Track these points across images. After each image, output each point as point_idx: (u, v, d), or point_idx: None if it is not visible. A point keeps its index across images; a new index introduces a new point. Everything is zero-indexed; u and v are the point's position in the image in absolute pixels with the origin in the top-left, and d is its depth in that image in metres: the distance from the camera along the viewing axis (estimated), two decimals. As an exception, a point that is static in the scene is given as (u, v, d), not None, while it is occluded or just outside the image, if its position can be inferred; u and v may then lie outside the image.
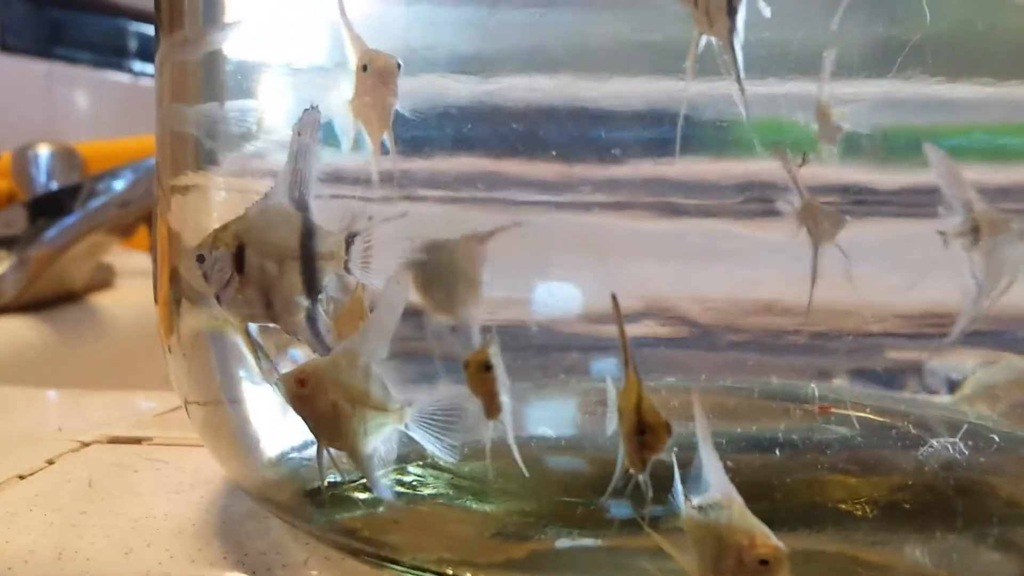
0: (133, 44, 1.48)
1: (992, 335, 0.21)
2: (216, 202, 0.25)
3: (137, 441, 0.32)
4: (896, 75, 0.20)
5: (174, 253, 0.26)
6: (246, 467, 0.25)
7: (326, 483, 0.22)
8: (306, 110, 0.20)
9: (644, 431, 0.18)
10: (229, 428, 0.25)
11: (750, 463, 0.21)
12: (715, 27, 0.19)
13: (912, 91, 0.20)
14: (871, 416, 0.23)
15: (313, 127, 0.20)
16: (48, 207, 0.65)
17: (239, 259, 0.20)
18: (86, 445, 0.32)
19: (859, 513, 0.20)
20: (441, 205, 0.22)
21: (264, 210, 0.21)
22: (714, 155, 0.21)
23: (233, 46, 0.25)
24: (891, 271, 0.21)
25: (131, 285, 0.73)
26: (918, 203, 0.21)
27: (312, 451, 0.21)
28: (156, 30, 0.27)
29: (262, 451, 0.25)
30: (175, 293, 0.25)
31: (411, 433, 0.20)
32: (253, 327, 0.22)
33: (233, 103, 0.25)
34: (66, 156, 0.76)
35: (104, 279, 0.72)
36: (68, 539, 0.24)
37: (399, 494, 0.22)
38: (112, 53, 1.44)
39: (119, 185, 0.64)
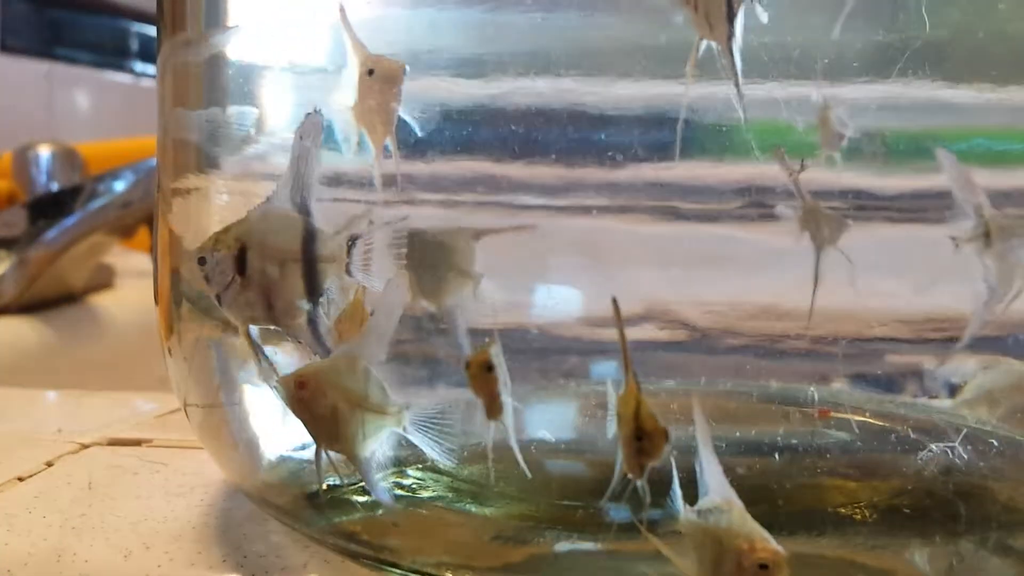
0: (134, 45, 1.48)
1: (991, 339, 0.21)
2: (217, 204, 0.25)
3: (136, 443, 0.32)
4: (897, 80, 0.20)
5: (175, 254, 0.26)
6: (245, 469, 0.25)
7: (325, 486, 0.22)
8: (308, 114, 0.20)
9: (642, 437, 0.18)
10: (228, 430, 0.25)
11: (749, 467, 0.21)
12: (715, 32, 0.19)
13: (913, 96, 0.20)
14: (871, 420, 0.23)
15: (315, 131, 0.20)
16: (48, 208, 0.65)
17: (240, 261, 0.20)
18: (85, 447, 0.32)
19: (858, 517, 0.20)
20: (442, 208, 0.22)
21: (266, 213, 0.21)
22: (715, 159, 0.21)
23: (235, 49, 0.25)
24: (891, 275, 0.21)
25: (131, 286, 0.73)
26: (918, 208, 0.21)
27: (311, 453, 0.21)
28: (158, 32, 0.27)
29: (261, 453, 0.25)
30: (175, 294, 0.25)
31: (409, 436, 0.20)
32: (254, 329, 0.22)
33: (234, 106, 0.25)
34: (66, 157, 0.77)
35: (104, 280, 0.72)
36: (67, 541, 0.24)
37: (398, 497, 0.22)
38: (113, 54, 1.44)
39: (119, 186, 0.64)
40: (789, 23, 0.20)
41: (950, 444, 0.21)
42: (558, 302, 0.22)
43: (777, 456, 0.21)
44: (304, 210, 0.20)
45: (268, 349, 0.22)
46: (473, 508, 0.22)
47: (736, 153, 0.21)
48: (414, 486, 0.22)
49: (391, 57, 0.21)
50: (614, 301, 0.19)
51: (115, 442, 0.32)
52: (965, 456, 0.21)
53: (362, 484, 0.21)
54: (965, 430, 0.21)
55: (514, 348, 0.20)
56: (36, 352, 0.59)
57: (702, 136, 0.21)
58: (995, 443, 0.22)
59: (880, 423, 0.23)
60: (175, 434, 0.33)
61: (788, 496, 0.21)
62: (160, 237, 0.26)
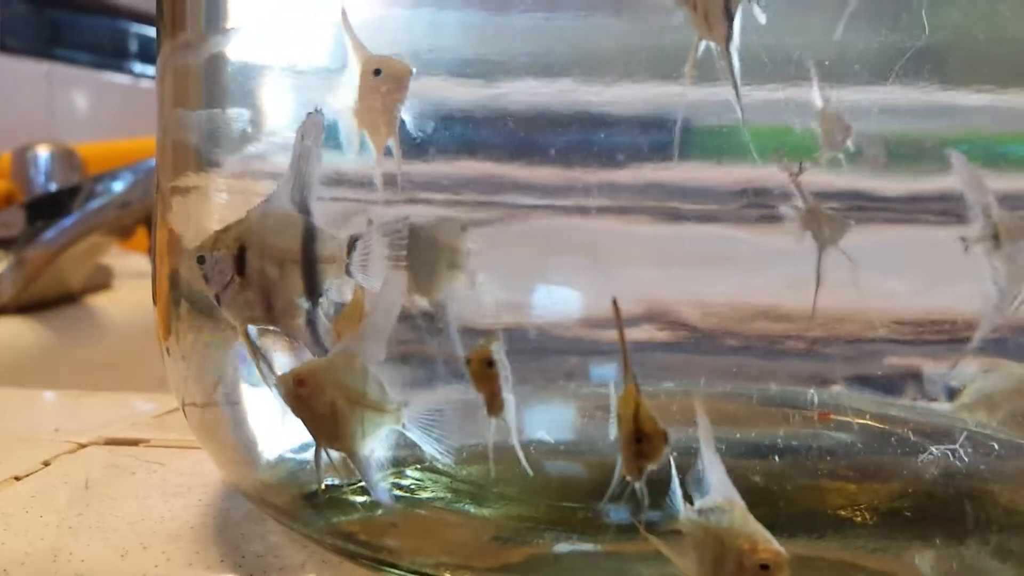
0: (133, 45, 1.48)
1: (992, 342, 0.21)
2: (216, 204, 0.25)
3: (134, 443, 0.32)
4: (898, 82, 0.20)
5: (173, 255, 0.26)
6: (244, 469, 0.25)
7: (323, 486, 0.22)
8: (309, 114, 0.20)
9: (641, 439, 0.18)
10: (227, 430, 0.25)
11: (749, 469, 0.21)
12: (713, 32, 0.19)
13: (913, 98, 0.20)
14: (871, 423, 0.23)
15: (316, 131, 0.20)
16: (47, 208, 0.65)
17: (240, 261, 0.20)
18: (83, 446, 0.32)
19: (859, 520, 0.20)
20: (443, 208, 0.22)
21: (266, 213, 0.21)
22: (715, 160, 0.21)
23: (235, 50, 0.25)
24: (891, 277, 0.21)
25: (129, 286, 0.73)
26: (919, 210, 0.21)
27: (310, 453, 0.21)
28: (157, 33, 0.27)
29: (260, 453, 0.25)
30: (174, 295, 0.25)
31: (408, 433, 0.20)
32: (252, 329, 0.22)
33: (234, 107, 0.25)
34: (65, 157, 0.76)
35: (102, 280, 0.71)
36: (64, 541, 0.24)
37: (397, 497, 0.22)
38: (112, 54, 1.44)
39: (118, 186, 0.64)
40: (789, 25, 0.20)
41: (951, 447, 0.21)
42: (558, 303, 0.22)
43: (777, 458, 0.21)
44: (304, 210, 0.20)
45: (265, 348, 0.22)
46: (472, 509, 0.21)
47: (737, 154, 0.21)
48: (413, 486, 0.22)
49: (392, 57, 0.21)
50: (614, 302, 0.19)
51: (113, 442, 0.32)
52: (966, 459, 0.21)
53: (361, 484, 0.21)
54: (965, 433, 0.21)
55: (514, 349, 0.20)
56: (34, 352, 0.59)
57: (703, 137, 0.21)
58: (995, 446, 0.22)
59: (880, 426, 0.23)
60: (173, 434, 0.33)
61: (788, 498, 0.21)
62: (159, 238, 0.26)
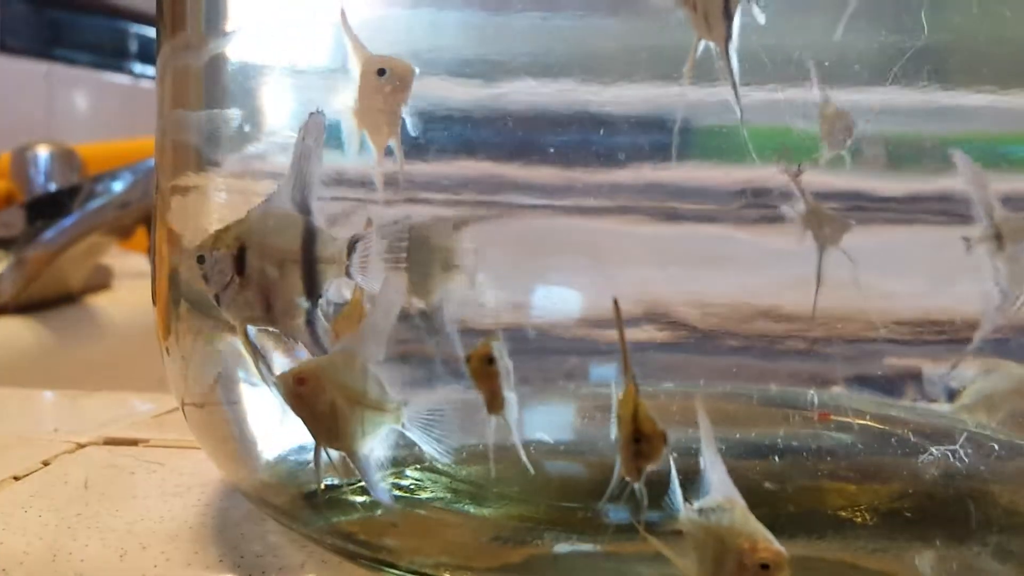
0: (133, 45, 1.48)
1: (991, 343, 0.21)
2: (215, 204, 0.25)
3: (133, 443, 0.32)
4: (898, 83, 0.20)
5: (173, 254, 0.26)
6: (243, 469, 0.25)
7: (323, 486, 0.22)
8: (311, 114, 0.20)
9: (640, 440, 0.18)
10: (226, 430, 0.25)
11: (749, 469, 0.21)
12: (713, 32, 0.19)
13: (914, 99, 0.20)
14: (871, 423, 0.23)
15: (317, 131, 0.20)
16: (46, 208, 0.65)
17: (240, 261, 0.20)
18: (82, 446, 0.32)
19: (859, 520, 0.20)
20: (443, 208, 0.22)
21: (266, 213, 0.21)
22: (715, 160, 0.21)
23: (235, 50, 0.25)
24: (891, 278, 0.21)
25: (129, 286, 0.73)
26: (919, 210, 0.21)
27: (310, 454, 0.21)
28: (157, 33, 0.27)
29: (259, 453, 0.25)
30: (173, 294, 0.25)
31: (408, 433, 0.20)
32: (252, 329, 0.22)
33: (233, 107, 0.25)
34: (65, 157, 0.76)
35: (102, 280, 0.71)
36: (63, 541, 0.24)
37: (397, 497, 0.22)
38: (112, 54, 1.44)
39: (118, 186, 0.64)
40: (789, 25, 0.20)
41: (951, 448, 0.21)
42: (558, 303, 0.22)
43: (777, 459, 0.21)
44: (305, 210, 0.20)
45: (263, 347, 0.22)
46: (472, 509, 0.21)
47: (737, 154, 0.21)
48: (413, 486, 0.22)
49: (395, 57, 0.21)
50: (615, 303, 0.19)
51: (112, 442, 0.32)
52: (965, 460, 0.21)
53: (361, 484, 0.21)
54: (965, 434, 0.21)
55: (513, 349, 0.20)
56: (34, 352, 0.59)
57: (702, 137, 0.21)
58: (995, 447, 0.22)
59: (880, 426, 0.23)
60: (172, 434, 0.33)
61: (788, 499, 0.21)
62: (158, 237, 0.26)
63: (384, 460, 0.20)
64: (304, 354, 0.21)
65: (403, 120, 0.21)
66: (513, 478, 0.21)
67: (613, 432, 0.19)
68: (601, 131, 0.21)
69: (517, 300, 0.22)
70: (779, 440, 0.22)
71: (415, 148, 0.21)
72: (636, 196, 0.21)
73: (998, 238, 0.20)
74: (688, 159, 0.21)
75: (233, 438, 0.25)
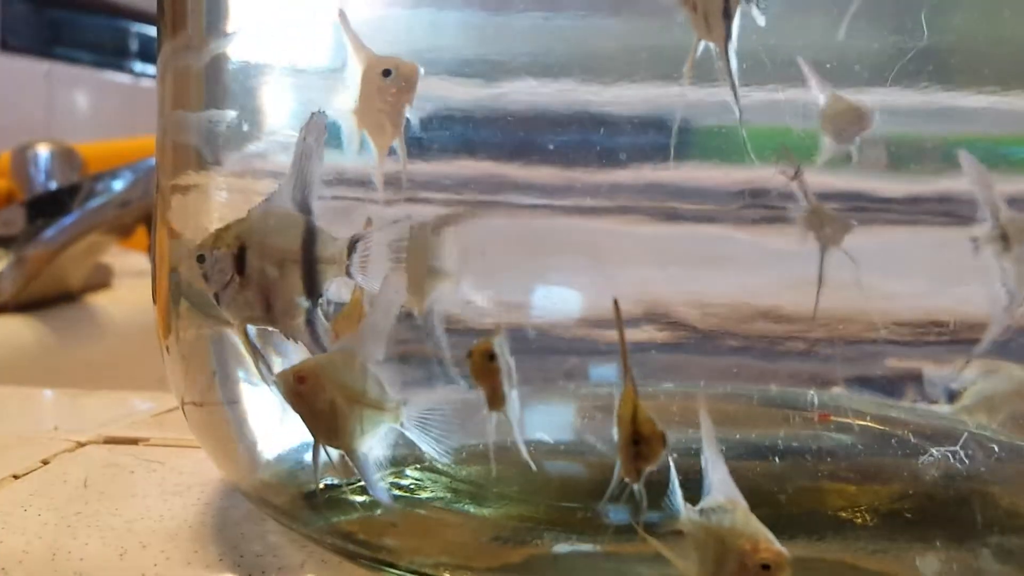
0: (134, 45, 1.48)
1: (992, 345, 0.21)
2: (216, 203, 0.25)
3: (133, 442, 0.32)
4: (899, 84, 0.20)
5: (173, 253, 0.26)
6: (243, 469, 0.25)
7: (322, 485, 0.22)
8: (313, 114, 0.20)
9: (639, 441, 0.18)
10: (226, 429, 0.25)
11: (749, 470, 0.21)
12: (712, 33, 0.19)
13: (915, 100, 0.20)
14: (871, 424, 0.23)
15: (319, 131, 0.20)
16: (47, 207, 0.65)
17: (240, 260, 0.20)
18: (82, 445, 0.32)
19: (859, 521, 0.20)
20: (443, 208, 0.22)
21: (267, 212, 0.21)
22: (715, 160, 0.21)
23: (235, 50, 0.25)
24: (891, 279, 0.21)
25: (129, 285, 0.73)
26: (920, 211, 0.21)
27: (310, 453, 0.21)
28: (158, 32, 0.27)
29: (259, 453, 0.25)
30: (173, 293, 0.25)
31: (407, 432, 0.20)
32: (252, 329, 0.22)
33: (233, 107, 0.25)
34: (65, 156, 0.77)
35: (102, 279, 0.71)
36: (62, 540, 0.24)
37: (397, 497, 0.22)
38: (113, 53, 1.44)
39: (118, 185, 0.64)
40: (790, 26, 0.20)
41: (951, 449, 0.21)
42: (558, 303, 0.22)
43: (777, 460, 0.21)
44: (305, 209, 0.20)
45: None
46: (472, 509, 0.21)
47: (737, 154, 0.21)
48: (412, 486, 0.22)
49: (391, 57, 0.21)
50: (615, 303, 0.19)
51: (112, 440, 0.32)
52: (966, 461, 0.21)
53: (360, 484, 0.21)
54: (965, 435, 0.21)
55: (514, 349, 0.20)
56: (33, 351, 0.59)
57: (703, 137, 0.21)
58: (996, 448, 0.22)
59: (881, 427, 0.23)
60: (172, 433, 0.33)
61: (788, 500, 0.21)
62: (158, 236, 0.26)
63: (383, 459, 0.20)
64: (292, 354, 0.21)
65: (406, 121, 0.21)
66: (513, 478, 0.21)
67: (612, 432, 0.19)
68: (601, 131, 0.21)
69: (517, 300, 0.22)
70: (779, 441, 0.22)
71: (416, 148, 0.21)
72: (636, 196, 0.21)
73: (1004, 239, 0.20)
74: (688, 159, 0.21)
75: (233, 437, 0.25)
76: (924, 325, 0.21)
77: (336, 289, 0.21)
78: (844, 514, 0.21)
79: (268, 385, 0.22)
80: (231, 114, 0.24)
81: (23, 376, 0.54)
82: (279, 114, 0.25)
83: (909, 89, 0.20)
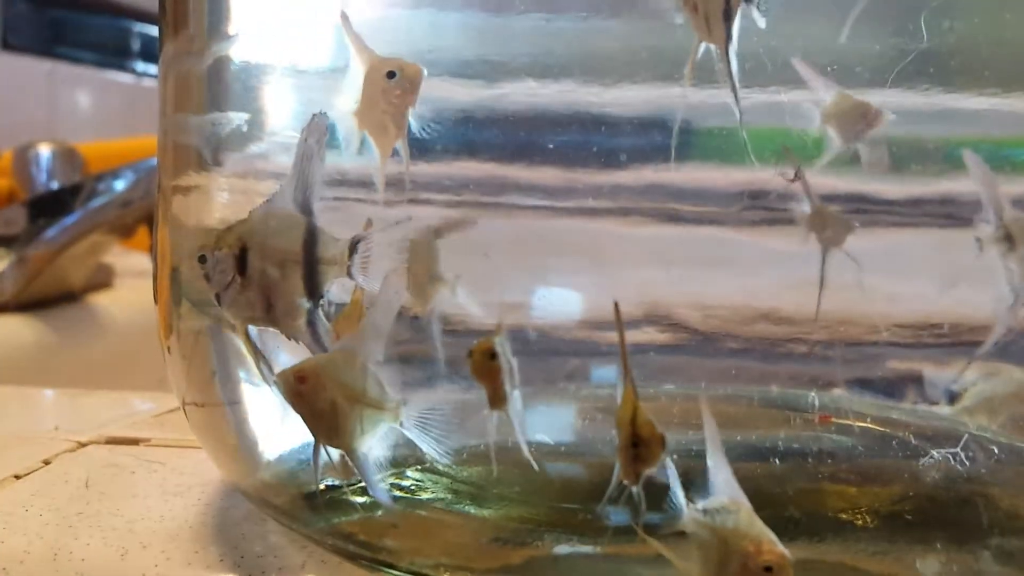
0: (136, 44, 1.48)
1: (994, 347, 0.21)
2: (217, 203, 0.25)
3: (134, 442, 0.32)
4: (900, 86, 0.20)
5: (174, 254, 0.26)
6: (243, 469, 0.25)
7: (323, 486, 0.22)
8: (314, 115, 0.20)
9: (638, 444, 0.18)
10: (227, 430, 0.25)
11: (750, 472, 0.21)
12: (713, 34, 0.19)
13: (916, 102, 0.20)
14: (872, 426, 0.23)
15: (320, 132, 0.20)
16: (48, 206, 0.65)
17: (241, 261, 0.20)
18: (83, 445, 0.32)
19: (859, 523, 0.20)
20: (444, 209, 0.22)
21: (268, 213, 0.21)
22: (717, 162, 0.21)
23: (237, 51, 0.25)
24: (892, 280, 0.21)
25: (130, 285, 0.73)
26: (921, 213, 0.21)
27: (310, 454, 0.21)
28: (160, 32, 0.27)
29: (260, 453, 0.25)
30: (175, 293, 0.25)
31: (406, 432, 0.20)
32: (253, 329, 0.22)
33: (235, 108, 0.25)
34: (67, 156, 0.77)
35: (103, 279, 0.71)
36: (64, 540, 0.24)
37: (397, 498, 0.22)
38: (115, 53, 1.44)
39: (120, 185, 0.64)
40: (791, 28, 0.20)
41: (951, 451, 0.21)
42: (558, 304, 0.22)
43: (778, 461, 0.21)
44: (307, 211, 0.20)
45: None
46: (472, 510, 0.21)
47: (738, 156, 0.21)
48: (413, 487, 0.22)
49: (395, 58, 0.21)
50: (616, 306, 0.19)
51: (113, 441, 0.32)
52: (966, 463, 0.21)
53: (361, 485, 0.21)
54: (966, 436, 0.21)
55: (515, 350, 0.20)
56: (35, 351, 0.59)
57: (704, 138, 0.21)
58: (996, 450, 0.22)
59: (881, 429, 0.23)
60: (173, 433, 0.33)
61: (789, 501, 0.21)
62: (160, 236, 0.26)
63: (383, 460, 0.20)
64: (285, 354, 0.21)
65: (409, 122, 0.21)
66: (514, 479, 0.21)
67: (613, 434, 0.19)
68: (602, 132, 0.21)
69: (518, 301, 0.22)
70: (780, 442, 0.22)
71: (417, 149, 0.21)
72: (637, 197, 0.21)
73: (1009, 239, 0.20)
74: (689, 161, 0.21)
75: (234, 438, 0.25)
76: (925, 327, 0.21)
77: (337, 290, 0.21)
78: (844, 516, 0.21)
79: (269, 385, 0.22)
80: (232, 115, 0.24)
81: (24, 376, 0.54)
82: (280, 115, 0.25)
83: (910, 91, 0.20)
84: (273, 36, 0.24)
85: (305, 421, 0.20)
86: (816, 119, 0.20)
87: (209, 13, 0.26)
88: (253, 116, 0.25)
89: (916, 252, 0.22)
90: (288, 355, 0.22)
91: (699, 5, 0.19)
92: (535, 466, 0.20)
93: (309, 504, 0.23)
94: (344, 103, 0.21)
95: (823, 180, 0.21)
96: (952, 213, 0.21)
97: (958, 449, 0.21)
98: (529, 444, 0.21)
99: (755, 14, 0.19)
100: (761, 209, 0.21)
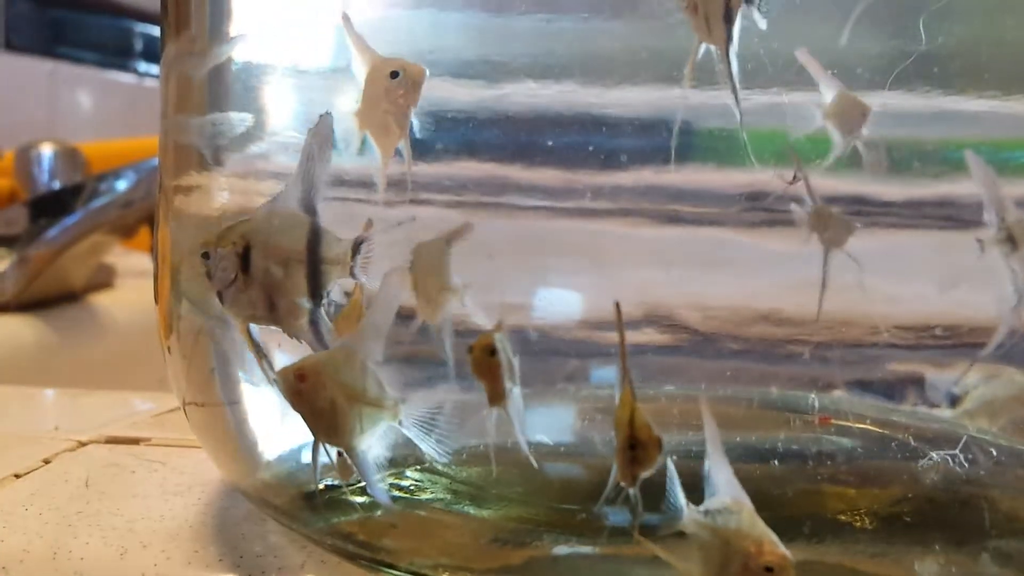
0: (138, 44, 1.48)
1: (995, 349, 0.21)
2: (218, 204, 0.25)
3: (134, 441, 0.32)
4: (900, 87, 0.20)
5: (175, 254, 0.26)
6: (243, 469, 0.25)
7: (322, 486, 0.22)
8: (320, 116, 0.20)
9: (636, 446, 0.18)
10: (227, 430, 0.25)
11: (749, 473, 0.21)
12: (713, 35, 0.19)
13: (916, 103, 0.20)
14: (872, 428, 0.23)
15: (325, 133, 0.20)
16: (50, 206, 0.65)
17: (244, 259, 0.20)
18: (83, 445, 0.32)
19: (859, 525, 0.20)
20: (444, 210, 0.22)
21: (272, 212, 0.21)
22: (716, 163, 0.21)
23: (238, 51, 0.25)
24: (892, 282, 0.21)
25: (131, 285, 0.73)
26: (921, 215, 0.21)
27: (310, 454, 0.21)
28: (162, 33, 0.27)
29: (260, 453, 0.25)
30: (175, 293, 0.25)
31: (405, 431, 0.20)
32: (255, 328, 0.22)
33: (236, 108, 0.25)
34: (69, 156, 0.77)
35: (104, 279, 0.72)
36: (63, 539, 0.24)
37: (396, 498, 0.22)
38: (116, 53, 1.45)
39: (121, 185, 0.64)
40: (792, 29, 0.20)
41: (951, 453, 0.21)
42: (559, 305, 0.22)
43: (777, 462, 0.21)
44: (311, 210, 0.20)
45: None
46: (471, 510, 0.21)
47: (739, 157, 0.21)
48: (412, 487, 0.22)
49: (397, 59, 0.21)
50: (617, 306, 0.19)
51: (113, 440, 0.32)
52: (965, 465, 0.21)
53: (360, 485, 0.21)
54: (966, 438, 0.21)
55: (515, 350, 0.20)
56: (35, 351, 0.59)
57: (704, 139, 0.21)
58: (996, 452, 0.22)
59: (881, 431, 0.23)
60: (173, 433, 0.33)
61: (788, 502, 0.21)
62: (161, 236, 0.26)
63: (383, 460, 0.20)
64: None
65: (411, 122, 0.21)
66: (513, 479, 0.21)
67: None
68: (603, 133, 0.21)
69: (518, 301, 0.22)
70: (779, 444, 0.22)
71: (417, 149, 0.21)
72: (638, 198, 0.21)
73: (1011, 240, 0.20)
74: (689, 162, 0.21)
75: (234, 438, 0.25)
76: (926, 329, 0.21)
77: (338, 290, 0.21)
78: (844, 517, 0.21)
79: (270, 384, 0.22)
80: (233, 116, 0.24)
81: (25, 376, 0.54)
82: (281, 115, 0.25)
83: (910, 93, 0.20)
84: (275, 36, 0.24)
85: (304, 419, 0.20)
86: (817, 120, 0.20)
87: (211, 14, 0.26)
88: (254, 116, 0.25)
89: (916, 254, 0.22)
90: (287, 355, 0.22)
91: (699, 6, 0.19)
92: (535, 464, 0.20)
93: (309, 504, 0.23)
94: (345, 103, 0.21)
95: (824, 181, 0.21)
96: (952, 215, 0.21)
97: (958, 451, 0.21)
98: (529, 444, 0.21)
99: (756, 15, 0.19)
100: (761, 210, 0.21)
